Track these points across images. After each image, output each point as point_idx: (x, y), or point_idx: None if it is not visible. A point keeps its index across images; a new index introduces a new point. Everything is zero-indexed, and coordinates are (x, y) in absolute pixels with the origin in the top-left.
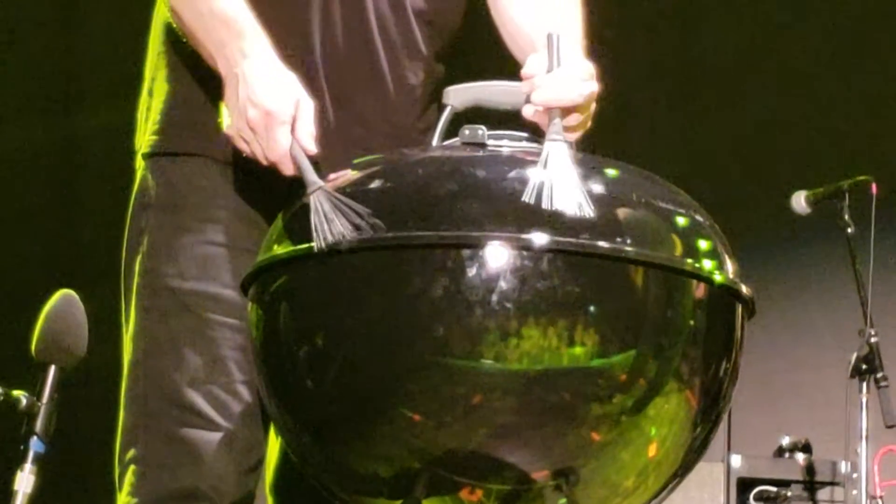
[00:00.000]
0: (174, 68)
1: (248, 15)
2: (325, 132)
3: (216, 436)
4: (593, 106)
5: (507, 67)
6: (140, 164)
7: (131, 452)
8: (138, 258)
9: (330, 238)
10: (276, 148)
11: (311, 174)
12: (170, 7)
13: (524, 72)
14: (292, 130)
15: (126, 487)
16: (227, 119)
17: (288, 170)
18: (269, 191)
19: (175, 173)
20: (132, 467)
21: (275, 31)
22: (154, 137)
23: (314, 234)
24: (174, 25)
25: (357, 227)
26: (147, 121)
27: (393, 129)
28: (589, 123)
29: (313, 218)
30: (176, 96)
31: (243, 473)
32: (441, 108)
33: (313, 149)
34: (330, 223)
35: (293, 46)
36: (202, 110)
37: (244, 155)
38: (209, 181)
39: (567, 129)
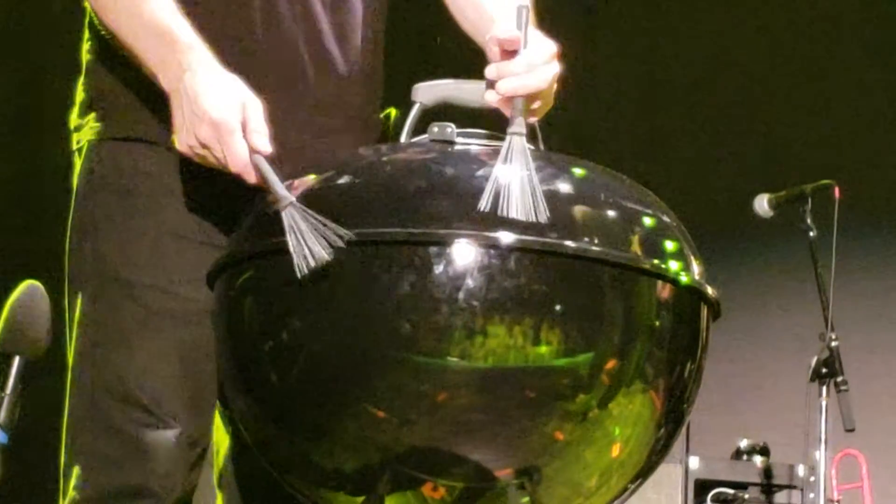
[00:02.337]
0: (118, 52)
1: (181, 23)
2: (273, 119)
3: (164, 432)
4: (555, 86)
5: (476, 66)
6: (83, 144)
7: (78, 444)
8: (87, 244)
9: (312, 262)
10: (236, 159)
11: (279, 188)
12: (106, 26)
13: (501, 37)
14: (246, 135)
15: (73, 480)
16: (177, 137)
17: (251, 178)
18: (220, 180)
19: (124, 159)
20: (79, 460)
21: (215, 21)
22: (102, 121)
23: (293, 256)
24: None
25: (330, 245)
26: (91, 101)
27: (341, 111)
28: (552, 103)
29: (289, 237)
30: (123, 81)
31: (189, 469)
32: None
33: (268, 149)
34: (309, 244)
35: (234, 33)
36: (152, 96)
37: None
38: (159, 169)
39: (531, 112)
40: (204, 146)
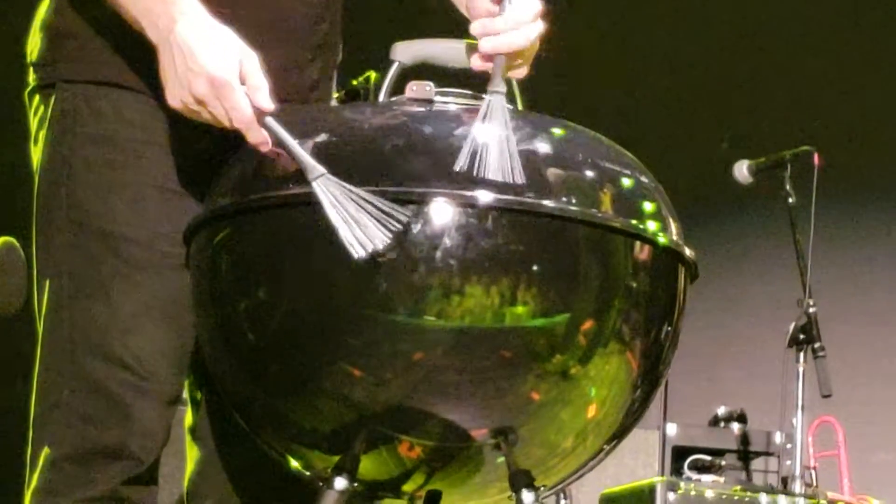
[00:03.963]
0: None
1: None
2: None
3: (145, 392)
4: (537, 46)
5: (456, 26)
6: (51, 83)
7: (54, 399)
8: (63, 189)
9: (370, 246)
10: (239, 114)
11: (305, 156)
12: None
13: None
14: (247, 92)
15: (47, 435)
16: (168, 92)
17: (255, 137)
18: (203, 132)
19: (103, 103)
20: (56, 416)
21: None
22: (78, 62)
23: (344, 239)
24: None
25: (388, 229)
26: (61, 37)
27: (312, 40)
28: (531, 60)
29: (330, 213)
30: (99, 20)
31: (167, 427)
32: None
33: (271, 105)
34: (361, 227)
35: None
36: (133, 41)
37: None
38: (140, 116)
39: (514, 70)
40: (199, 102)
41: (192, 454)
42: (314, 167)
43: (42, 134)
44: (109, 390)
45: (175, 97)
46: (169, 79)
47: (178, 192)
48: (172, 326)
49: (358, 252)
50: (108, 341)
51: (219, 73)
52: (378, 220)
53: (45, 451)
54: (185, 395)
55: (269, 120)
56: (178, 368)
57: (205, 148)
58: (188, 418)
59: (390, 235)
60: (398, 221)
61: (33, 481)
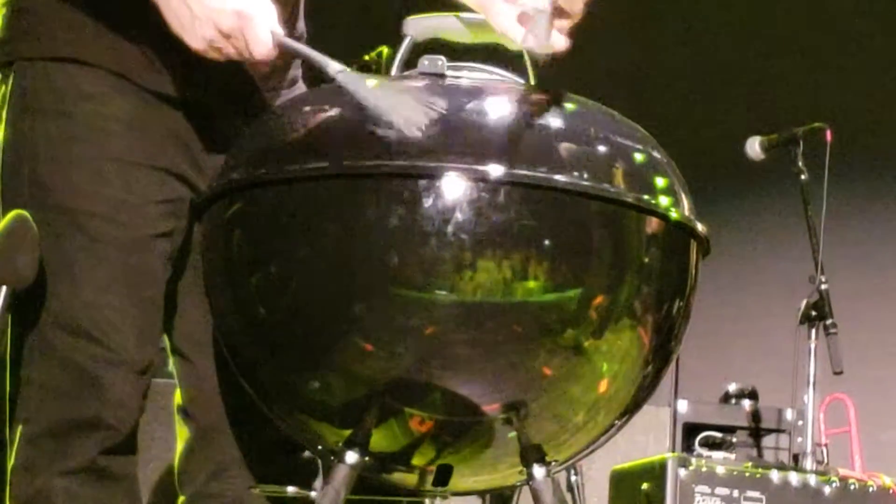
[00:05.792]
0: None
1: None
2: None
3: (116, 363)
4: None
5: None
6: (11, 61)
7: (28, 376)
8: (25, 166)
9: (421, 122)
10: (260, 45)
11: (320, 57)
12: None
13: None
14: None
15: (22, 412)
16: (186, 34)
17: (269, 58)
18: (164, 104)
19: (61, 79)
20: (30, 392)
21: None
22: (35, 39)
23: (394, 122)
24: None
25: (427, 105)
26: (18, 15)
27: None
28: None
29: (368, 102)
30: None
31: (141, 397)
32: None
33: (280, 30)
34: (403, 106)
35: None
36: (90, 15)
37: (217, 60)
38: (99, 91)
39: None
40: (227, 37)
41: (181, 433)
42: (332, 64)
43: (4, 113)
44: (79, 364)
45: (198, 38)
46: (186, 22)
47: (141, 164)
48: (138, 298)
49: (412, 132)
50: (74, 317)
51: (243, 5)
52: (399, 101)
53: (20, 427)
54: (172, 369)
55: (282, 38)
56: (146, 338)
57: (168, 121)
58: (177, 397)
59: (432, 110)
60: (430, 99)
61: (12, 459)
